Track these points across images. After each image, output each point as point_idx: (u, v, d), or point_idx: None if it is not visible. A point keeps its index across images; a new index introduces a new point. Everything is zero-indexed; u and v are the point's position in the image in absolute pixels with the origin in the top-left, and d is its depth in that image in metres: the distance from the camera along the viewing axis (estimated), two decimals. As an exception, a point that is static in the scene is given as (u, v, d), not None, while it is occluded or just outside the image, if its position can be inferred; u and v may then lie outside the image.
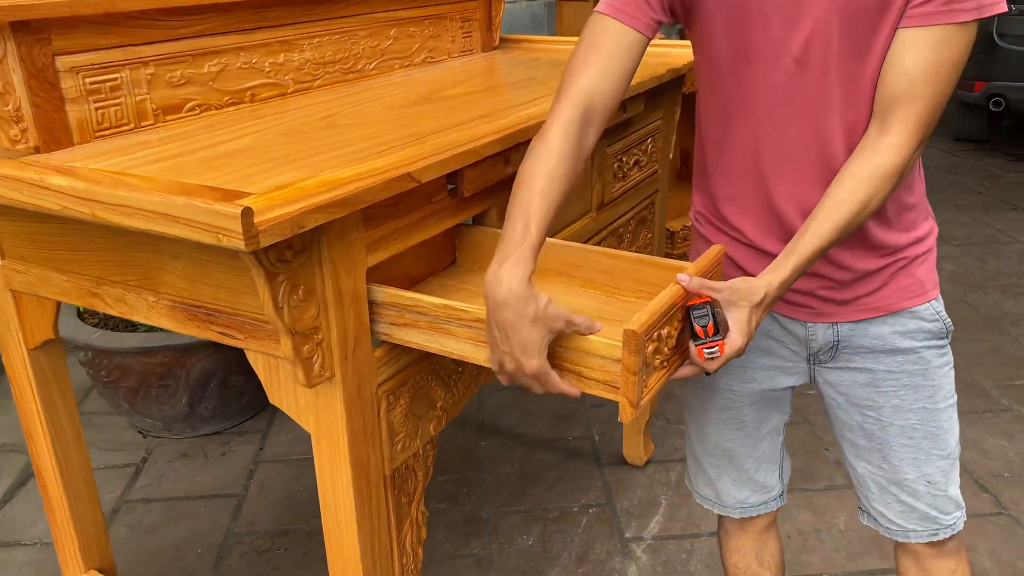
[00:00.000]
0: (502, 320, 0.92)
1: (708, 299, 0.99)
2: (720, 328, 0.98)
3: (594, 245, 1.60)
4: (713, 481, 1.38)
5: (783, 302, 1.17)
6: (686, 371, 1.02)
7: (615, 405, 1.89)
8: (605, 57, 1.04)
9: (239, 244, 0.81)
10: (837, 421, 1.24)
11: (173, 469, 2.25)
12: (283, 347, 0.96)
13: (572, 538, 1.95)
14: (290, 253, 0.93)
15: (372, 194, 0.96)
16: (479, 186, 1.17)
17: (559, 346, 0.96)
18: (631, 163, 1.72)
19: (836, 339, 1.16)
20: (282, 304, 0.93)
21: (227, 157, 1.09)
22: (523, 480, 2.17)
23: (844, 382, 1.19)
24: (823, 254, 1.00)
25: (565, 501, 2.08)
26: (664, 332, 0.98)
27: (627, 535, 1.96)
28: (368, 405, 1.07)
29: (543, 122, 1.10)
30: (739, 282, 0.99)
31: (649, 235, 1.91)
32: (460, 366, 1.25)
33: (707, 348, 0.97)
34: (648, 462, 2.21)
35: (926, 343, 1.14)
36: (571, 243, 1.22)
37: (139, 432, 2.42)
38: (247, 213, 0.80)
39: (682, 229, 2.38)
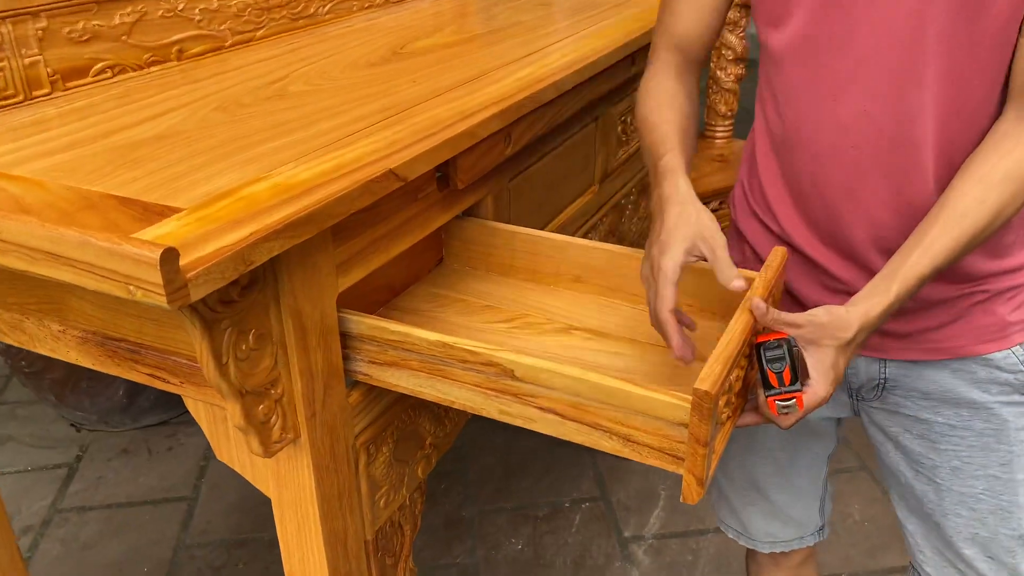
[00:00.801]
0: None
1: (783, 335, 0.77)
2: (798, 373, 0.76)
3: (596, 222, 1.37)
4: (737, 512, 1.19)
5: None
6: (749, 419, 0.81)
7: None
8: None
9: (159, 301, 0.56)
10: (883, 464, 1.04)
11: (112, 469, 2.00)
12: (230, 413, 0.72)
13: (565, 539, 1.77)
14: (236, 291, 0.68)
15: (346, 203, 0.71)
16: (475, 175, 0.93)
17: (596, 400, 0.74)
18: (635, 123, 1.48)
19: (882, 377, 0.95)
20: (227, 359, 0.69)
21: (148, 145, 0.83)
22: (508, 472, 1.97)
23: (893, 428, 0.98)
24: (933, 278, 0.78)
25: (555, 495, 1.89)
26: (732, 377, 0.76)
27: (626, 534, 1.78)
28: (343, 464, 0.84)
29: (552, 86, 0.97)
30: (823, 314, 0.77)
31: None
32: (451, 390, 1.03)
33: (782, 401, 0.76)
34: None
35: (1003, 398, 0.92)
36: (589, 242, 0.98)
37: (71, 425, 2.15)
38: (169, 258, 0.55)
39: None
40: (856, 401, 1.01)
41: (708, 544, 1.74)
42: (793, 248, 0.93)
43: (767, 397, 0.77)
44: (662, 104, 0.95)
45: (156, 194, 0.71)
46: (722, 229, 0.84)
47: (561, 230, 1.25)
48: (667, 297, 0.79)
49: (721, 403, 0.73)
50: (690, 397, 0.68)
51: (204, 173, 0.75)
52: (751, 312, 0.77)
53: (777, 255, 0.87)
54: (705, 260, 0.83)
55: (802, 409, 0.76)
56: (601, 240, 1.44)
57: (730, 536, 1.22)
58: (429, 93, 0.97)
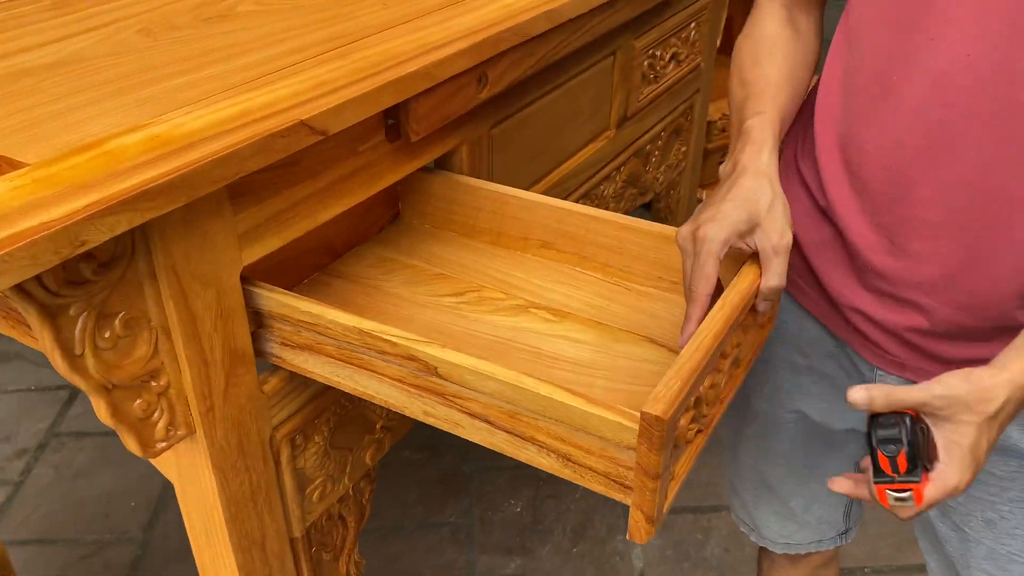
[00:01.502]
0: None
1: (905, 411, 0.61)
2: (921, 457, 0.60)
3: (611, 171, 1.20)
4: (749, 508, 1.05)
5: (847, 326, 0.80)
6: (855, 491, 0.66)
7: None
8: None
9: (-67, 296, 0.44)
10: None
11: (112, 395, 1.95)
12: (97, 409, 0.60)
13: (568, 506, 1.66)
14: (89, 268, 0.55)
15: (232, 164, 0.57)
16: (436, 123, 0.77)
17: (532, 410, 0.60)
18: (667, 58, 1.29)
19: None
20: (82, 350, 0.57)
21: (36, 74, 0.69)
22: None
23: None
24: None
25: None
26: (704, 388, 0.61)
27: (633, 505, 1.66)
28: (256, 461, 0.72)
29: (543, 16, 0.82)
30: (957, 382, 0.60)
31: (684, 148, 1.49)
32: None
33: (896, 491, 0.60)
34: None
35: None
36: (563, 203, 0.82)
37: (78, 345, 2.10)
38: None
39: (721, 118, 1.94)
40: None
41: (721, 523, 1.62)
42: (836, 228, 0.76)
43: (878, 485, 0.61)
44: (760, 55, 0.79)
45: (7, 141, 0.58)
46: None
47: (564, 182, 1.09)
48: (709, 273, 0.65)
49: (684, 422, 0.59)
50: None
51: (82, 115, 0.62)
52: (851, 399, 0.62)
53: (747, 276, 0.68)
54: (755, 254, 0.68)
55: (920, 504, 0.60)
56: (619, 192, 1.27)
57: (741, 530, 1.09)
58: (395, 19, 0.81)
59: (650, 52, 1.22)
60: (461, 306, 0.79)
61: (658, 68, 1.27)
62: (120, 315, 0.58)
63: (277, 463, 0.75)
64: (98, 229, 0.49)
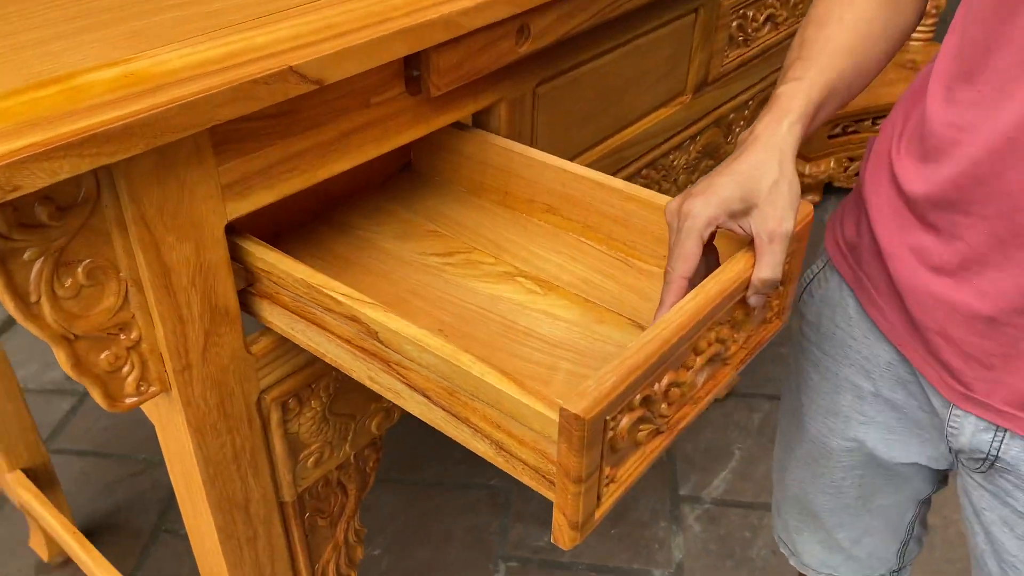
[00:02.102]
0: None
1: None
2: None
3: (684, 139, 1.10)
4: (791, 531, 0.96)
5: (927, 353, 0.69)
6: None
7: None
8: None
9: None
10: (970, 541, 0.78)
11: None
12: (58, 358, 0.57)
13: (613, 484, 1.60)
14: (46, 212, 0.51)
15: (202, 111, 0.51)
16: (461, 78, 0.70)
17: (466, 390, 0.55)
18: (761, 20, 1.17)
19: (993, 454, 0.68)
20: (37, 297, 0.53)
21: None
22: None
23: (990, 514, 0.71)
24: None
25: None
26: (662, 384, 0.54)
27: (681, 492, 1.58)
28: (241, 423, 0.69)
29: None
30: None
31: (773, 119, 1.36)
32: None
33: None
34: (728, 395, 1.79)
35: None
36: (573, 166, 0.72)
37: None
38: None
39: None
40: (955, 460, 0.75)
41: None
42: (934, 237, 0.66)
43: None
44: (831, 12, 0.68)
45: (-19, 69, 0.54)
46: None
47: (625, 149, 1.01)
48: (688, 252, 0.58)
49: (626, 422, 0.51)
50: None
51: (66, 44, 0.57)
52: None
53: (737, 263, 0.59)
54: (748, 239, 0.60)
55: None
56: (692, 163, 1.17)
57: (782, 551, 1.01)
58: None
59: (740, 12, 1.11)
60: (446, 267, 0.74)
61: (749, 30, 1.15)
62: (84, 263, 0.55)
63: (266, 427, 0.72)
64: (34, 174, 0.45)
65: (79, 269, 0.54)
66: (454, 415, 0.57)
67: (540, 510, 1.54)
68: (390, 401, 0.83)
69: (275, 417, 0.72)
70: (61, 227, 0.52)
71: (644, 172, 1.08)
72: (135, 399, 0.61)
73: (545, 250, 0.75)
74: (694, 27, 1.04)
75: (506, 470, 0.56)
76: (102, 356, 0.58)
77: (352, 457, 0.83)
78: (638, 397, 0.51)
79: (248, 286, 0.66)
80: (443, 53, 0.66)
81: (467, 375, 0.53)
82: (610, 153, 0.98)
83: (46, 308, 0.54)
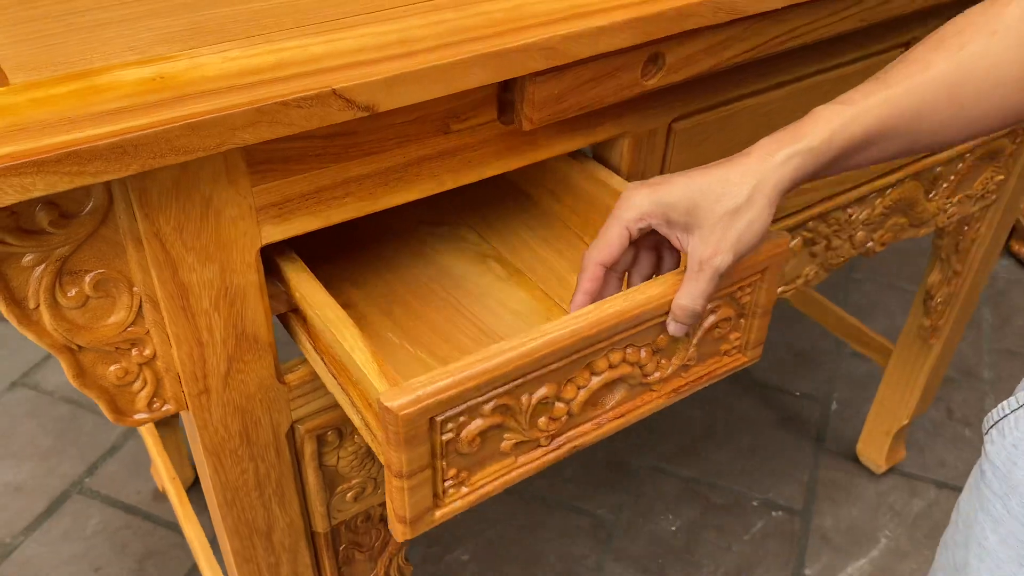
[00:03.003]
0: None
1: None
2: None
3: (869, 195, 0.94)
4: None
5: None
6: None
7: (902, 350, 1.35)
8: None
9: None
10: None
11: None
12: (62, 365, 0.53)
13: (730, 544, 1.45)
14: (46, 218, 0.47)
15: (214, 134, 0.45)
16: (564, 112, 0.59)
17: (349, 365, 0.54)
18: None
19: None
20: (36, 303, 0.49)
21: None
22: (706, 433, 1.64)
23: None
24: None
25: (746, 485, 1.54)
26: (533, 397, 0.52)
27: (807, 572, 1.41)
28: (268, 451, 0.64)
29: None
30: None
31: (1000, 177, 1.13)
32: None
33: None
34: (888, 471, 1.57)
35: None
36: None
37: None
38: None
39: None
40: None
41: (908, 633, 1.32)
42: None
43: None
44: (956, 35, 0.54)
45: (11, 51, 0.50)
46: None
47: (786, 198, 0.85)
48: (607, 239, 0.55)
49: (473, 429, 0.50)
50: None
51: (117, 31, 0.53)
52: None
53: (660, 284, 0.54)
54: (676, 253, 0.58)
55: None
56: (877, 218, 0.99)
57: None
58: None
59: (968, 50, 0.91)
60: (427, 237, 0.67)
61: (977, 72, 0.94)
62: (92, 274, 0.50)
63: (298, 458, 0.66)
64: (2, 190, 0.40)
65: (86, 280, 0.50)
66: (340, 385, 0.57)
67: (644, 553, 1.43)
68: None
69: (309, 449, 0.66)
70: (64, 235, 0.48)
71: (811, 224, 0.92)
72: (146, 416, 0.57)
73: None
74: (901, 64, 0.86)
75: (375, 450, 0.56)
76: (110, 369, 0.54)
77: (400, 496, 0.76)
78: (490, 405, 0.50)
79: (291, 310, 0.60)
80: (540, 83, 0.56)
81: (340, 345, 0.53)
82: (764, 202, 0.84)
83: (45, 316, 0.50)
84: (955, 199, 1.10)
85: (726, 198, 0.52)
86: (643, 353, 0.55)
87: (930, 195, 1.05)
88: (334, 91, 0.47)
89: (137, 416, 0.57)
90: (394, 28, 0.53)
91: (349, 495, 0.72)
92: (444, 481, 0.51)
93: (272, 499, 0.67)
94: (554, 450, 0.55)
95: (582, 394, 0.53)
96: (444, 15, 0.55)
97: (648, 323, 0.54)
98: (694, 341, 0.58)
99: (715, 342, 0.59)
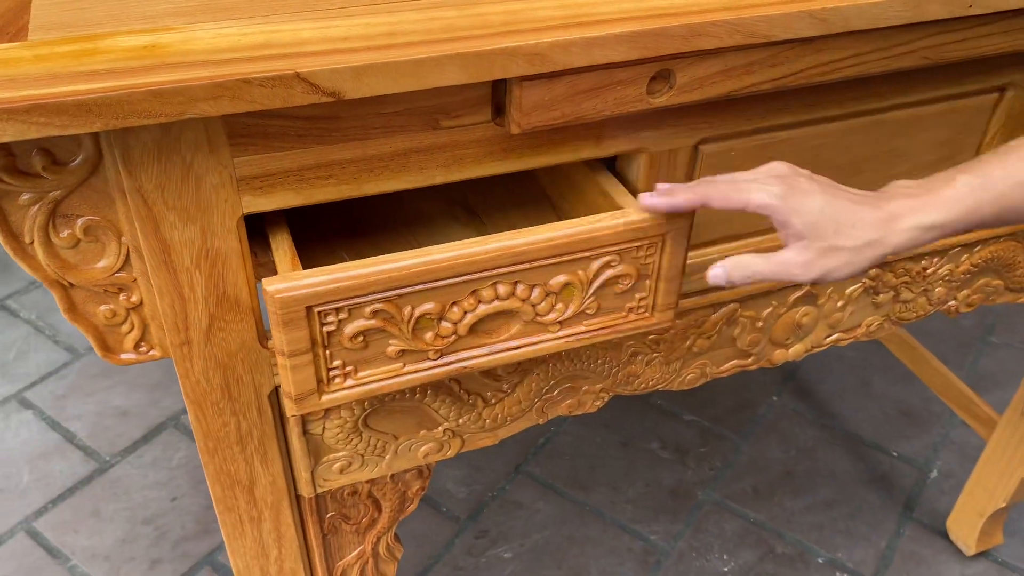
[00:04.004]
0: None
1: None
2: None
3: (952, 249, 0.87)
4: None
5: None
6: None
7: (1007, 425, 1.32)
8: None
9: None
10: None
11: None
12: (56, 299, 0.59)
13: (785, 598, 1.37)
14: (40, 163, 0.52)
15: (175, 103, 0.48)
16: (555, 120, 0.58)
17: None
18: None
19: None
20: (31, 239, 0.55)
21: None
22: (782, 477, 1.56)
23: None
24: None
25: (814, 539, 1.45)
26: (411, 313, 0.58)
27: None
28: (250, 409, 0.67)
29: (806, 14, 0.59)
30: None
31: None
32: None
33: None
34: (980, 555, 1.43)
35: None
36: None
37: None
38: None
39: None
40: None
41: None
42: None
43: None
44: None
45: (45, 11, 0.56)
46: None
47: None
48: (720, 194, 0.58)
49: (354, 328, 0.57)
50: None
51: (145, 1, 0.57)
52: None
53: (550, 229, 0.59)
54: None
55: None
56: (962, 276, 0.91)
57: None
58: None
59: (1084, 103, 0.81)
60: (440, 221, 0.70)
61: (1098, 129, 0.84)
62: (83, 219, 0.55)
63: (281, 421, 0.69)
64: (-28, 130, 0.45)
65: (77, 223, 0.55)
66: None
67: (689, 588, 1.38)
68: (446, 436, 0.77)
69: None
70: (57, 180, 0.53)
71: (874, 273, 0.86)
72: (132, 356, 0.62)
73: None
74: (994, 111, 0.78)
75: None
76: (100, 308, 0.59)
77: (390, 477, 0.78)
78: (370, 308, 0.56)
79: (280, 280, 0.63)
80: (529, 89, 0.56)
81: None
82: (813, 240, 0.79)
83: (39, 251, 0.55)
84: (1064, 268, 0.99)
85: (844, 235, 0.56)
86: (535, 292, 0.60)
87: (1017, 261, 0.95)
88: (297, 74, 0.49)
89: (124, 356, 0.62)
90: (388, 20, 0.55)
91: (336, 466, 0.74)
92: (329, 369, 0.58)
93: (254, 456, 0.70)
94: (443, 366, 0.61)
95: (469, 318, 0.59)
96: (443, 12, 0.56)
97: (534, 263, 0.58)
98: (590, 291, 0.62)
99: (617, 297, 0.63)
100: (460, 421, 0.77)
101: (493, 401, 0.77)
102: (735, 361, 0.87)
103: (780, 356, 0.89)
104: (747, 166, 0.71)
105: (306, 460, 0.73)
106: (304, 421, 0.70)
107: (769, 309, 0.84)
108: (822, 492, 1.54)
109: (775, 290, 0.83)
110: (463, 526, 1.46)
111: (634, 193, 0.69)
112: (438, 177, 0.61)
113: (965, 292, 0.94)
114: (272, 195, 0.57)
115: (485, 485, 1.53)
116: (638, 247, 0.61)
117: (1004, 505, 1.33)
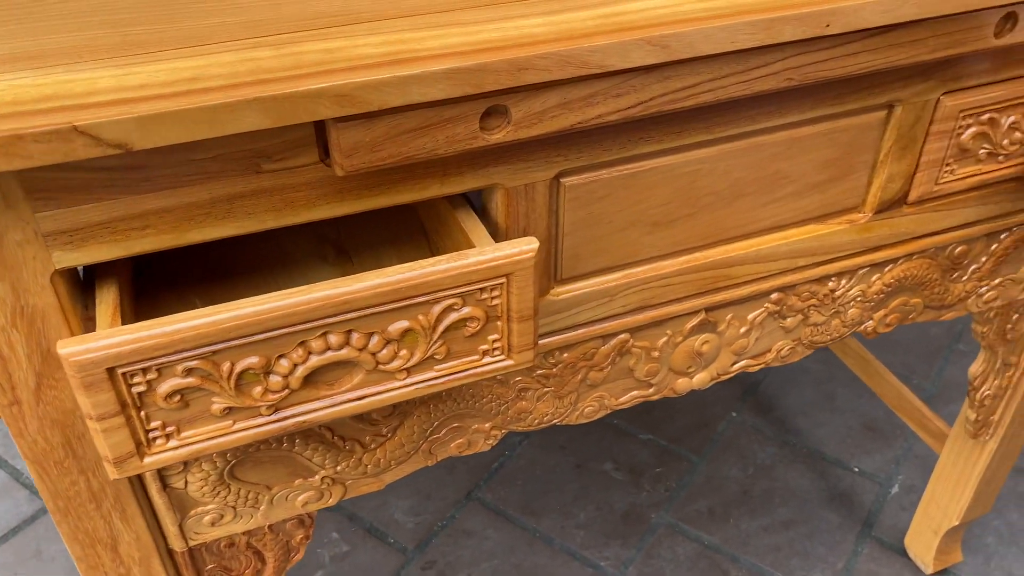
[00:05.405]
0: None
1: None
2: None
3: (859, 268, 0.84)
4: None
5: None
6: None
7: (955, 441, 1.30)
8: None
9: None
10: None
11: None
12: None
13: (737, 623, 1.33)
14: None
15: (-48, 162, 0.46)
16: (382, 160, 0.56)
17: None
18: (1008, 129, 0.82)
19: None
20: None
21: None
22: (739, 498, 1.53)
23: None
24: None
25: (770, 562, 1.42)
26: (230, 368, 0.55)
27: (814, 670, 1.27)
28: (99, 466, 0.65)
29: (643, 43, 0.56)
30: None
31: (1061, 260, 0.97)
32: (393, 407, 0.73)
33: None
34: (939, 573, 1.39)
35: None
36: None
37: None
38: None
39: None
40: None
41: None
42: None
43: None
44: None
45: None
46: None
47: (731, 265, 0.77)
48: None
49: (168, 388, 0.54)
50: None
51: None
52: None
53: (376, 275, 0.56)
54: None
55: None
56: (874, 297, 0.88)
57: None
58: (435, 5, 0.59)
59: (983, 116, 0.78)
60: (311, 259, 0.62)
61: (1002, 143, 0.81)
62: None
63: (138, 476, 0.67)
64: None
65: None
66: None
67: (638, 616, 1.34)
68: (325, 484, 0.75)
69: (148, 471, 0.66)
70: None
71: (775, 296, 0.83)
72: (-40, 416, 0.60)
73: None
74: (885, 128, 0.75)
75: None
76: (-84, 369, 0.57)
77: (268, 527, 0.76)
78: (182, 367, 0.53)
79: (118, 333, 0.61)
80: (345, 131, 0.53)
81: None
82: (702, 268, 0.76)
83: None
84: (992, 282, 0.95)
85: None
86: (374, 340, 0.57)
87: (953, 275, 0.92)
88: (75, 128, 0.47)
89: (-49, 417, 0.60)
90: (196, 64, 0.52)
91: (206, 519, 0.72)
92: (148, 431, 0.55)
93: (112, 513, 0.68)
94: (279, 421, 0.58)
95: (300, 370, 0.56)
96: (258, 53, 0.54)
97: (366, 311, 0.56)
98: (435, 336, 0.59)
99: (467, 340, 0.61)
100: (338, 468, 0.74)
101: (373, 446, 0.75)
102: (635, 392, 0.84)
103: (684, 385, 0.86)
104: (617, 197, 0.68)
105: (172, 515, 0.70)
106: (162, 476, 0.68)
107: (664, 339, 0.81)
108: (780, 512, 1.50)
109: (670, 319, 0.80)
110: (410, 557, 1.43)
111: (496, 228, 0.67)
112: (269, 222, 0.58)
113: (882, 312, 0.91)
114: (85, 249, 0.55)
115: (434, 514, 1.50)
116: (481, 289, 0.58)
117: (957, 523, 1.29)
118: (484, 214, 0.67)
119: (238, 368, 0.55)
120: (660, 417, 1.69)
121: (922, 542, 1.37)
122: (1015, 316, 1.02)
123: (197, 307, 0.68)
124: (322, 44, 0.55)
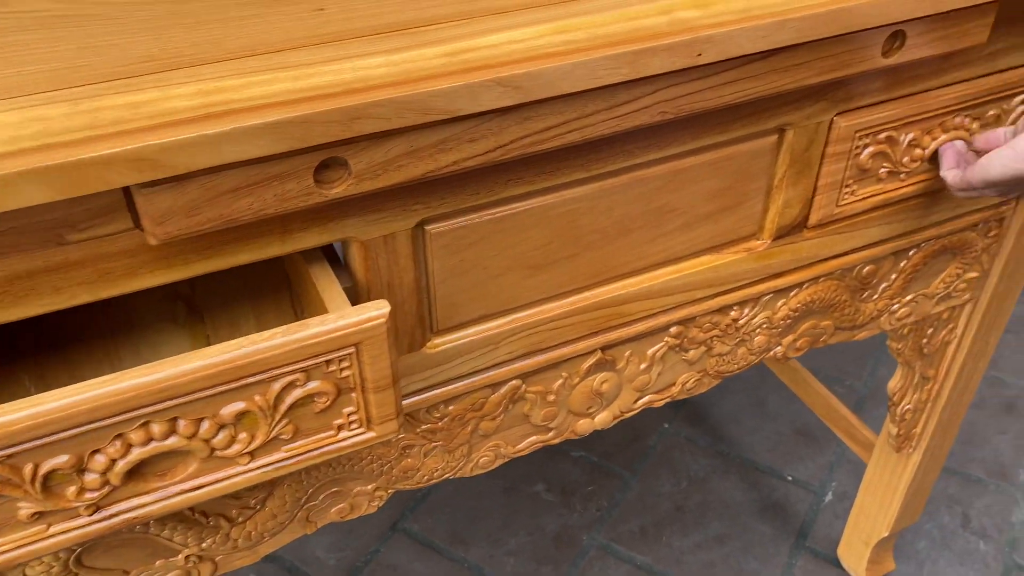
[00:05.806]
0: None
1: None
2: None
3: (763, 296, 0.80)
4: None
5: None
6: None
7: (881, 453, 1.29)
8: None
9: None
10: None
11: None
12: None
13: (671, 647, 1.30)
14: None
15: None
16: (201, 224, 0.50)
17: None
18: (926, 146, 0.78)
19: None
20: None
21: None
22: (672, 514, 1.49)
23: None
24: None
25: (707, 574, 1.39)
26: (33, 470, 0.47)
27: None
28: (-85, 571, 0.58)
29: (494, 83, 0.51)
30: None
31: (971, 274, 0.95)
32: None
33: None
34: (872, 584, 1.37)
35: None
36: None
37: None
38: None
39: None
40: None
41: None
42: None
43: None
44: None
45: None
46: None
47: (623, 303, 0.73)
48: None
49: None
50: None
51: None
52: None
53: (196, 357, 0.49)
54: None
55: None
56: (782, 322, 0.84)
57: None
58: (274, 43, 0.53)
59: (881, 135, 0.75)
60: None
61: (902, 160, 0.78)
62: None
63: (-36, 575, 0.60)
64: None
65: None
66: None
67: (570, 647, 1.30)
68: (191, 563, 0.69)
69: (-26, 568, 0.60)
70: None
71: (674, 329, 0.78)
72: None
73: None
74: (777, 153, 0.71)
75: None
76: None
77: (134, 612, 0.69)
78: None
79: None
80: (152, 196, 0.47)
81: None
82: (592, 307, 0.71)
83: None
84: (904, 299, 0.92)
85: None
86: (205, 426, 0.51)
87: (863, 295, 0.88)
88: None
89: None
90: (26, 118, 0.45)
91: (56, 611, 0.65)
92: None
93: (-60, 617, 0.61)
94: (103, 520, 0.52)
95: (121, 465, 0.51)
96: (49, 111, 0.47)
97: (192, 396, 0.50)
98: (278, 416, 0.54)
99: (318, 416, 0.55)
100: (203, 545, 0.68)
101: (241, 519, 0.69)
102: (534, 437, 0.79)
103: (585, 426, 0.81)
104: (491, 242, 0.63)
105: (11, 610, 0.63)
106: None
107: (560, 381, 0.76)
108: (713, 526, 1.47)
109: (563, 361, 0.75)
110: (328, 594, 1.37)
111: (356, 283, 0.61)
112: (83, 296, 0.52)
113: (790, 338, 0.87)
114: None
115: (357, 549, 1.44)
116: (328, 361, 0.53)
117: (887, 534, 1.27)
118: (346, 267, 0.61)
119: (43, 470, 0.48)
120: (593, 433, 1.64)
121: (854, 553, 1.35)
122: (930, 330, 1.00)
123: (26, 386, 0.61)
124: (128, 97, 0.48)
